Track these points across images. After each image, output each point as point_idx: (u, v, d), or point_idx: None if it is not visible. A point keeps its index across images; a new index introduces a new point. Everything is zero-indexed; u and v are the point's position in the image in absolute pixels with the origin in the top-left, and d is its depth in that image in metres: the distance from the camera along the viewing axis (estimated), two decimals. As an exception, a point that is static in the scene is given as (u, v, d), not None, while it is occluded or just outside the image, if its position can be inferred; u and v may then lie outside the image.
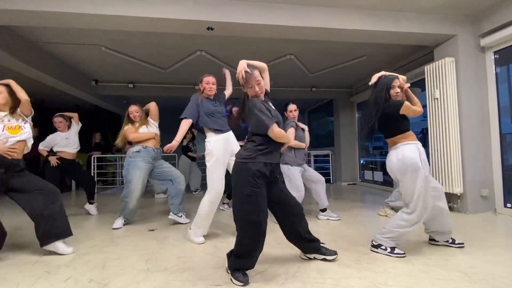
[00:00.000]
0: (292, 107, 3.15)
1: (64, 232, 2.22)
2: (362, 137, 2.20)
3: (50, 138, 3.65)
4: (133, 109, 3.13)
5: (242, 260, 1.69)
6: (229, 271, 1.73)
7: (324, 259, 1.95)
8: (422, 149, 2.07)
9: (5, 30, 3.45)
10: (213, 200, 2.38)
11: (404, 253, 2.04)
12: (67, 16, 2.87)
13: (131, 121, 3.15)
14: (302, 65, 5.19)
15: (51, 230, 2.15)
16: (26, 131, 2.22)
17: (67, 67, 4.95)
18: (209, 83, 2.55)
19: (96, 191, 3.93)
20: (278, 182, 1.86)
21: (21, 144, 2.21)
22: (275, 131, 1.67)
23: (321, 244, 1.98)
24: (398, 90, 2.09)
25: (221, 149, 2.40)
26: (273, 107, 1.82)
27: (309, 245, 1.97)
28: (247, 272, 1.71)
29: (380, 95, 2.10)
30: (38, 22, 2.99)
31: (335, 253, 1.96)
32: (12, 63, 3.76)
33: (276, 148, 1.77)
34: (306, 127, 3.30)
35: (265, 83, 1.81)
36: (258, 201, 1.65)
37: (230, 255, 1.75)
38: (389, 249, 2.07)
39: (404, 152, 2.01)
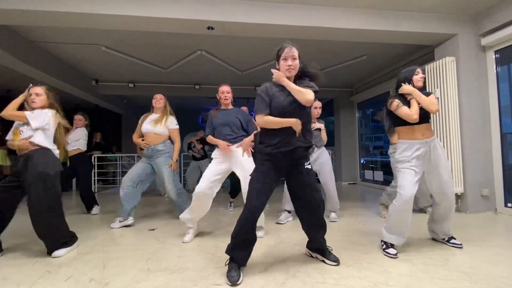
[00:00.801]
0: (317, 104, 3.10)
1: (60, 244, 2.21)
2: (387, 132, 2.34)
3: None
4: (158, 97, 3.12)
5: (232, 245, 1.74)
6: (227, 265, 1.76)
7: (324, 262, 1.94)
8: (418, 146, 2.09)
9: (6, 29, 3.45)
10: (195, 191, 2.41)
11: (396, 254, 2.02)
12: (67, 16, 2.86)
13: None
14: (303, 64, 5.18)
15: (50, 242, 2.17)
16: (24, 134, 2.21)
17: (68, 66, 4.95)
18: (224, 92, 2.60)
19: (88, 199, 3.79)
20: (301, 173, 1.80)
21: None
22: (258, 121, 1.75)
23: (327, 247, 1.98)
24: (422, 75, 2.17)
25: (217, 152, 2.54)
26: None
27: (316, 243, 1.98)
28: (242, 272, 1.73)
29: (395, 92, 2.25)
30: (39, 22, 2.99)
31: (336, 260, 1.92)
32: (12, 63, 3.76)
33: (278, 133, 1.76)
34: (322, 126, 3.23)
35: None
36: (257, 186, 1.73)
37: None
38: (385, 246, 2.10)
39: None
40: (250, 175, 1.80)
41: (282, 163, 1.76)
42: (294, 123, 1.70)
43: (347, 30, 3.32)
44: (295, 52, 1.75)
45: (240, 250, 1.74)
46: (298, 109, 1.74)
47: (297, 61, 1.76)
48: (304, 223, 1.94)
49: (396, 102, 2.12)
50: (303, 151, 1.76)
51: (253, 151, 2.53)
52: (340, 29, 3.30)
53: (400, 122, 2.15)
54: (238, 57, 4.78)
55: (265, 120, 1.72)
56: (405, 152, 2.12)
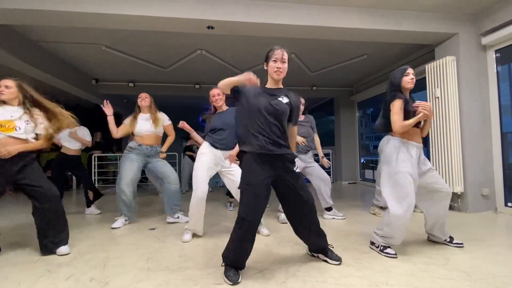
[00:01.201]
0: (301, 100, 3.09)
1: (59, 242, 2.19)
2: (379, 128, 2.21)
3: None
4: (143, 95, 3.19)
5: (228, 253, 1.72)
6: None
7: (326, 261, 1.94)
8: (416, 149, 2.05)
9: (6, 29, 3.45)
10: (194, 200, 2.37)
11: (395, 254, 2.01)
12: (67, 15, 2.86)
13: (139, 107, 3.20)
14: (303, 64, 5.19)
15: (49, 240, 2.16)
16: (20, 132, 2.11)
17: (68, 66, 4.95)
18: (214, 95, 2.57)
19: (93, 196, 3.80)
20: (290, 177, 1.76)
21: (14, 141, 2.08)
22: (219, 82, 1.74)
23: (328, 246, 1.96)
24: (412, 76, 2.05)
25: (209, 155, 2.45)
26: (280, 100, 1.76)
27: (315, 245, 1.95)
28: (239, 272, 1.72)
29: (390, 86, 2.11)
30: (39, 21, 2.99)
31: (339, 259, 1.91)
32: (12, 62, 3.76)
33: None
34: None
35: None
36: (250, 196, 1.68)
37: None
38: (381, 247, 2.08)
39: (386, 144, 2.11)
40: (239, 188, 1.72)
41: (269, 170, 1.69)
42: (246, 75, 1.61)
43: (348, 29, 3.31)
44: (286, 56, 1.76)
45: (240, 258, 1.72)
46: (277, 113, 1.75)
47: (286, 65, 1.77)
48: (299, 230, 1.89)
49: (400, 103, 1.98)
50: (284, 156, 1.74)
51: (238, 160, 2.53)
52: (340, 29, 3.30)
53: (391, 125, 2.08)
54: (238, 57, 4.78)
55: (222, 81, 1.72)
56: (404, 154, 2.00)
